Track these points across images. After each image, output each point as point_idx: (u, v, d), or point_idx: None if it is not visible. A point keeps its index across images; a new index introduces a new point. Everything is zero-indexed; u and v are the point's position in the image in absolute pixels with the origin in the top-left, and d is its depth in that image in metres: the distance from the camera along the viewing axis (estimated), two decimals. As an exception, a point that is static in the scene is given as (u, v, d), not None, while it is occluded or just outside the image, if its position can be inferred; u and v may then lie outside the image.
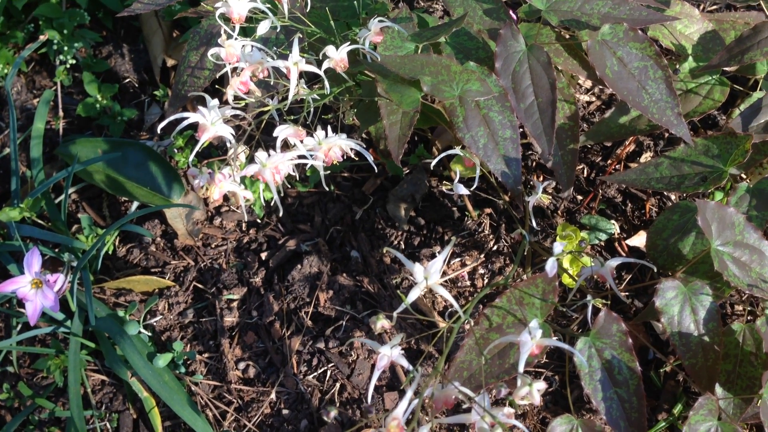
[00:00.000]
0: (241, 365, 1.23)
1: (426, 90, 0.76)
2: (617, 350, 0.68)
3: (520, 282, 0.70)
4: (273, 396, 1.20)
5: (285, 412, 1.20)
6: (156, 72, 1.42)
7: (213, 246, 1.32)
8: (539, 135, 0.82)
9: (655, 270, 0.79)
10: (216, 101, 0.76)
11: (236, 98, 0.77)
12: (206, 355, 1.23)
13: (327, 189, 1.10)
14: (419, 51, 0.82)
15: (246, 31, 0.90)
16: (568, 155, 0.92)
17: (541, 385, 0.61)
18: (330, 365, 1.22)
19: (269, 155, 0.72)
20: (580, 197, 1.32)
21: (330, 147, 0.76)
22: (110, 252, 1.29)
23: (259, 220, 1.33)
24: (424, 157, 1.34)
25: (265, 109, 0.75)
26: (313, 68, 0.77)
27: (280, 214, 1.09)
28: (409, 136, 0.82)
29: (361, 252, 1.31)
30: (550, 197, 1.30)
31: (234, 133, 0.74)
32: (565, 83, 0.93)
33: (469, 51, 0.87)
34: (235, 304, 1.27)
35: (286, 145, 0.77)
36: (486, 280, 1.26)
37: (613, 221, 1.27)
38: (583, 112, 1.40)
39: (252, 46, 0.77)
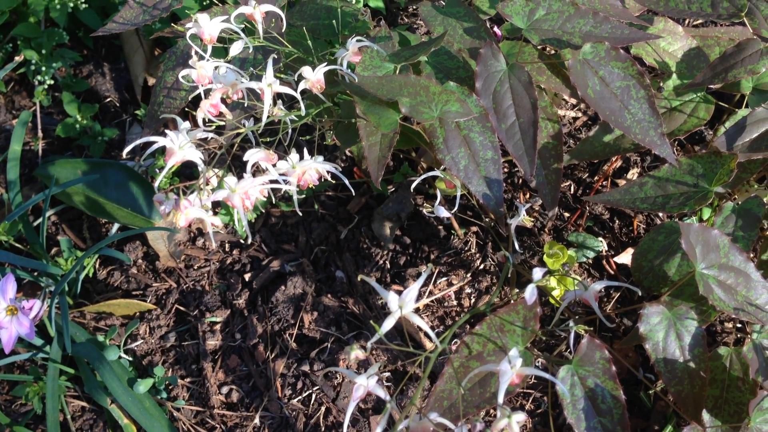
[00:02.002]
0: (224, 389, 1.20)
1: (404, 111, 0.74)
2: (601, 378, 0.66)
3: (501, 309, 0.68)
4: (257, 421, 1.18)
5: (269, 437, 1.17)
6: (137, 91, 1.41)
7: (196, 267, 1.30)
8: (521, 156, 0.81)
9: (640, 293, 0.77)
10: (187, 124, 0.74)
11: (208, 121, 0.75)
12: (188, 379, 1.20)
13: (300, 213, 1.08)
14: (398, 71, 0.80)
15: (227, 52, 0.88)
16: (552, 174, 0.91)
17: (520, 417, 0.59)
18: (315, 388, 1.20)
19: (238, 180, 0.71)
20: (567, 214, 1.31)
21: (304, 170, 0.74)
22: (90, 275, 1.27)
23: (242, 241, 1.31)
24: (409, 176, 1.33)
25: (239, 131, 0.74)
26: (288, 89, 0.75)
27: (249, 240, 1.08)
28: (388, 158, 0.80)
29: (346, 272, 1.29)
30: (533, 219, 1.29)
31: (204, 157, 0.73)
32: (548, 102, 0.92)
33: (450, 70, 0.86)
34: (218, 326, 1.25)
35: (260, 170, 0.75)
36: (473, 300, 1.25)
37: (600, 239, 1.26)
38: (569, 128, 1.40)
39: (226, 68, 0.76)
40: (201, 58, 0.77)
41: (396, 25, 1.49)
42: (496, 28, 1.10)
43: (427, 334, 1.21)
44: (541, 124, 0.92)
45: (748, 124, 0.84)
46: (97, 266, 1.29)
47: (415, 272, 1.28)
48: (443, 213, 0.82)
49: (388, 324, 0.63)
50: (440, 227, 1.33)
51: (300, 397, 1.19)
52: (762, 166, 0.89)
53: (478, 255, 1.29)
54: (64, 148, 1.40)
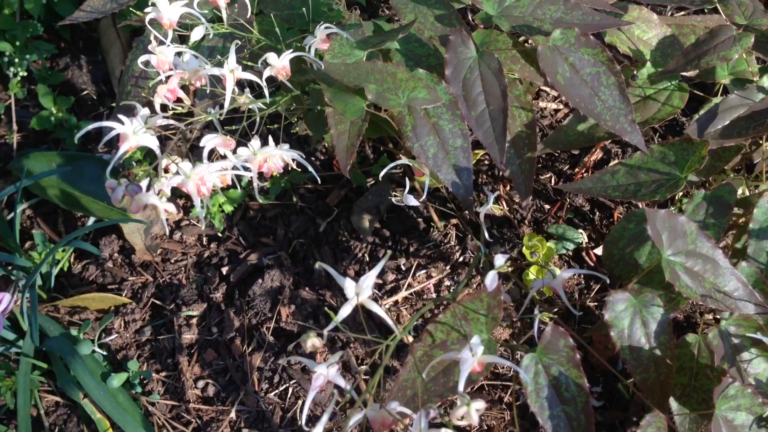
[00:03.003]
0: (200, 384, 1.19)
1: (371, 98, 0.74)
2: (565, 366, 0.65)
3: (464, 297, 0.68)
4: (233, 415, 1.17)
5: (245, 431, 1.17)
6: (114, 84, 1.40)
7: (172, 261, 1.29)
8: (491, 143, 0.80)
9: (608, 281, 0.77)
10: (146, 110, 0.73)
11: (173, 109, 0.74)
12: (164, 373, 1.19)
13: (261, 200, 1.06)
14: (367, 59, 0.80)
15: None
16: (525, 164, 0.90)
17: (479, 405, 0.59)
18: (292, 382, 1.19)
19: (193, 166, 0.70)
20: (547, 206, 1.30)
21: (266, 157, 0.74)
22: (65, 269, 1.26)
23: (219, 234, 1.30)
24: (398, 172, 1.32)
25: (200, 118, 0.73)
26: (251, 76, 0.74)
27: (203, 227, 1.06)
28: (357, 146, 0.80)
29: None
30: (502, 208, 1.29)
31: (180, 145, 0.72)
32: (522, 91, 0.91)
33: (420, 58, 0.85)
34: (194, 320, 1.24)
35: (224, 157, 0.74)
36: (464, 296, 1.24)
37: (580, 230, 1.25)
38: (551, 120, 1.39)
39: (189, 54, 0.75)
40: (161, 43, 0.76)
41: (376, 16, 1.48)
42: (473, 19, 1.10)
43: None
44: (515, 113, 0.91)
45: (720, 111, 0.84)
46: (72, 260, 1.28)
47: (394, 265, 1.27)
48: (412, 202, 0.81)
49: (345, 311, 0.62)
50: (420, 220, 1.32)
51: (277, 391, 1.18)
52: (736, 154, 0.88)
53: (457, 247, 1.28)
54: (40, 141, 1.39)
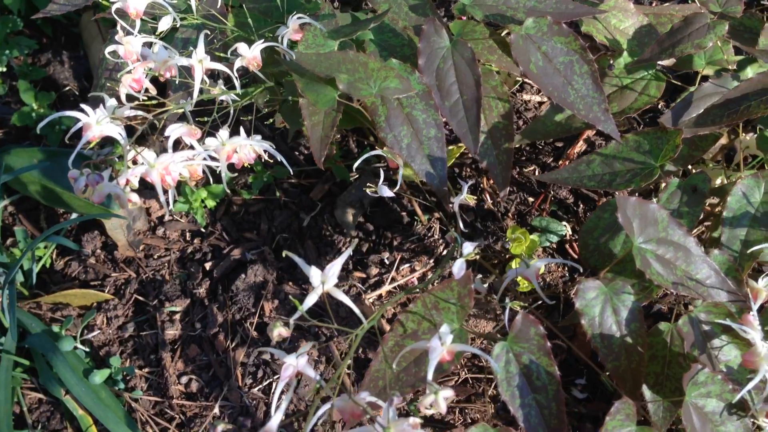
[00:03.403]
0: (184, 379, 1.19)
1: (342, 88, 0.74)
2: (536, 354, 0.65)
3: (435, 286, 0.68)
4: (216, 410, 1.17)
5: (230, 427, 1.16)
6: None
7: (156, 257, 1.29)
8: (465, 133, 0.80)
9: (581, 270, 0.76)
10: (113, 101, 0.73)
11: (133, 98, 0.74)
12: (147, 369, 1.19)
13: (228, 191, 1.05)
14: (339, 49, 0.80)
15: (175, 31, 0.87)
16: (503, 155, 0.90)
17: (447, 393, 0.59)
18: (276, 377, 1.19)
19: (157, 155, 0.70)
20: (531, 199, 1.30)
21: (235, 148, 0.73)
22: (47, 265, 1.26)
23: (203, 229, 1.30)
24: (372, 162, 1.32)
25: (167, 109, 0.73)
26: (220, 66, 0.74)
27: (166, 215, 1.04)
28: (332, 137, 0.80)
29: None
30: (484, 199, 1.28)
31: (122, 133, 0.72)
32: (499, 81, 0.91)
33: (394, 48, 0.85)
34: (177, 316, 1.24)
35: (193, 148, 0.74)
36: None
37: (564, 223, 1.25)
38: (535, 113, 1.39)
39: (159, 45, 0.75)
40: (128, 33, 0.76)
41: (359, 9, 1.48)
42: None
43: (391, 319, 1.20)
44: (492, 104, 0.91)
45: (695, 99, 0.83)
46: (54, 257, 1.27)
47: (378, 259, 1.27)
48: (386, 193, 0.81)
49: (311, 300, 0.62)
50: (403, 214, 1.32)
51: (260, 386, 1.18)
52: (713, 143, 0.88)
53: (441, 241, 1.28)
54: (22, 137, 1.38)
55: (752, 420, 0.67)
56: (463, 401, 1.14)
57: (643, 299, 0.73)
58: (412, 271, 1.25)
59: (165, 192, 0.71)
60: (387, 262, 1.27)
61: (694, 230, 0.98)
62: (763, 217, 0.74)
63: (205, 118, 0.76)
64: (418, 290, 0.69)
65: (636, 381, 0.70)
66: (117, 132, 0.71)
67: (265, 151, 0.77)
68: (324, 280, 0.61)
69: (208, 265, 1.27)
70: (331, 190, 1.35)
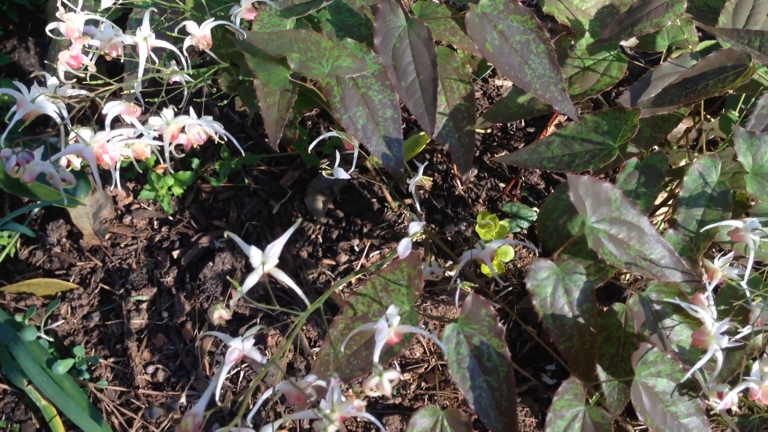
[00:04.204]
0: (150, 369, 1.18)
1: (293, 67, 0.72)
2: (486, 336, 0.64)
3: (384, 268, 0.67)
4: (183, 400, 1.16)
5: (162, 411, 1.15)
6: (62, 66, 1.37)
7: (122, 245, 1.27)
8: (421, 114, 0.79)
9: (537, 252, 0.76)
10: (54, 80, 0.71)
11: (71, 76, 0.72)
12: (112, 359, 1.18)
13: (172, 171, 1.02)
14: (289, 26, 0.78)
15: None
16: (465, 137, 0.89)
17: (392, 375, 0.58)
18: (243, 365, 1.18)
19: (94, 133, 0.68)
20: (502, 185, 1.30)
21: (180, 128, 0.72)
22: (11, 255, 1.24)
23: (170, 217, 1.29)
24: (341, 148, 1.31)
25: (109, 88, 0.71)
26: (166, 44, 0.73)
27: (101, 199, 1.01)
28: (287, 119, 0.78)
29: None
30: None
31: (59, 111, 0.70)
32: (461, 62, 0.90)
33: (351, 28, 0.83)
34: (144, 305, 1.23)
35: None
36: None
37: (535, 208, 1.25)
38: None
39: (105, 23, 0.73)
40: (69, 10, 0.74)
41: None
42: None
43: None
44: (453, 86, 0.90)
45: (654, 79, 0.83)
46: (18, 246, 1.26)
47: (348, 246, 1.26)
48: (342, 175, 0.80)
49: (251, 281, 0.61)
50: (374, 200, 1.31)
51: (228, 375, 1.17)
52: (676, 124, 0.88)
53: (430, 228, 1.27)
54: (-14, 125, 1.36)
55: (704, 399, 0.67)
56: (432, 388, 1.14)
57: (599, 280, 0.73)
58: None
59: (108, 171, 0.69)
60: (357, 249, 1.26)
61: (660, 212, 0.98)
62: (719, 196, 0.73)
63: (155, 99, 0.75)
64: (367, 272, 0.68)
65: (589, 362, 0.69)
66: (53, 110, 0.69)
67: (217, 134, 0.76)
68: (265, 260, 0.60)
69: (175, 254, 1.26)
70: (301, 177, 1.34)
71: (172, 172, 1.02)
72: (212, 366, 1.18)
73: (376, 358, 0.58)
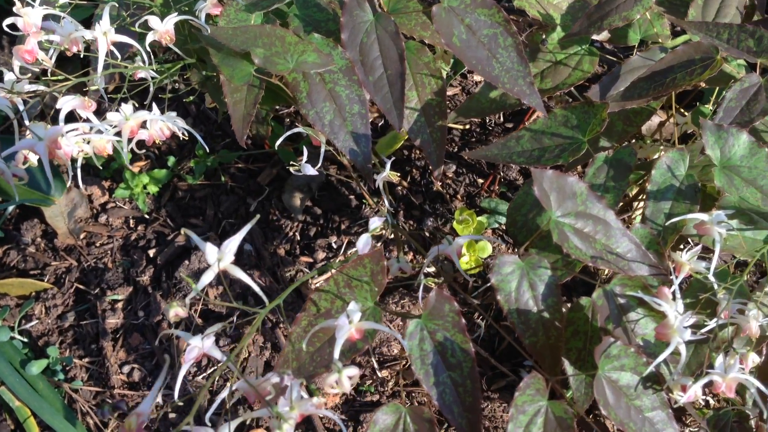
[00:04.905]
0: (126, 368, 1.17)
1: (258, 63, 0.72)
2: (450, 332, 0.64)
3: (347, 264, 0.67)
4: (159, 399, 1.15)
5: (172, 415, 1.15)
6: (36, 63, 1.36)
7: (98, 245, 1.27)
8: (389, 109, 0.79)
9: (503, 248, 0.75)
10: (11, 75, 0.71)
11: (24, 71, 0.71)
12: (87, 359, 1.17)
13: (130, 167, 1.01)
14: (253, 22, 0.78)
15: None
16: (436, 132, 0.89)
17: (351, 371, 0.58)
18: (220, 364, 1.17)
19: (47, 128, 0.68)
20: (480, 180, 1.30)
21: (139, 123, 0.71)
22: (-15, 255, 1.23)
23: (146, 216, 1.28)
24: (310, 144, 1.31)
25: (66, 84, 0.70)
26: (126, 39, 0.72)
27: (57, 196, 0.99)
28: (254, 115, 0.78)
29: (254, 245, 1.27)
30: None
31: (11, 107, 0.69)
32: (431, 57, 0.90)
33: (319, 23, 0.83)
34: (119, 304, 1.22)
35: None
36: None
37: (513, 204, 1.24)
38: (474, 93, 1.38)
39: (65, 18, 0.73)
40: (28, 5, 0.74)
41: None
42: None
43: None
44: (425, 81, 0.90)
45: (623, 73, 0.83)
46: (-8, 246, 1.24)
47: (325, 243, 1.26)
48: (310, 171, 0.80)
49: (207, 277, 0.61)
50: (352, 197, 1.31)
51: (204, 374, 1.16)
52: (648, 118, 0.88)
53: (400, 225, 1.27)
54: (-41, 124, 1.35)
55: (668, 393, 0.67)
56: (410, 385, 1.14)
57: (566, 275, 0.73)
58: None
59: (64, 167, 0.69)
60: (334, 246, 1.25)
61: (640, 206, 0.98)
62: (687, 189, 0.73)
63: (118, 95, 0.74)
64: (330, 269, 0.68)
65: (555, 357, 0.69)
66: (6, 105, 0.68)
67: (181, 130, 0.75)
68: (221, 257, 0.60)
69: (151, 252, 1.25)
70: (279, 174, 1.33)
71: (129, 167, 1.01)
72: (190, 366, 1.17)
73: (336, 354, 0.58)
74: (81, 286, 1.22)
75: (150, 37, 0.75)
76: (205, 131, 1.37)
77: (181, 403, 1.09)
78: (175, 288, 1.22)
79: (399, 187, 1.29)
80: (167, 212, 1.29)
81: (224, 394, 0.60)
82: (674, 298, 0.66)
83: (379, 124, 1.37)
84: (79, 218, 1.27)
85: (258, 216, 0.64)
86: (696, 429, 1.04)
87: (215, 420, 0.60)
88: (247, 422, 1.12)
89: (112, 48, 0.71)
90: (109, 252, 1.26)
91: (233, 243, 0.60)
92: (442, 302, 0.64)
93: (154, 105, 0.73)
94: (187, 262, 1.22)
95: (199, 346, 0.61)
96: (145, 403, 0.55)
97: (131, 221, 1.29)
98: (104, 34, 0.70)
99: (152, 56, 0.75)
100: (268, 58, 0.71)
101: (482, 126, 1.36)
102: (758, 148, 0.73)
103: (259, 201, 1.30)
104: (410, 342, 0.64)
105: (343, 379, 0.57)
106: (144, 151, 1.32)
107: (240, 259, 1.25)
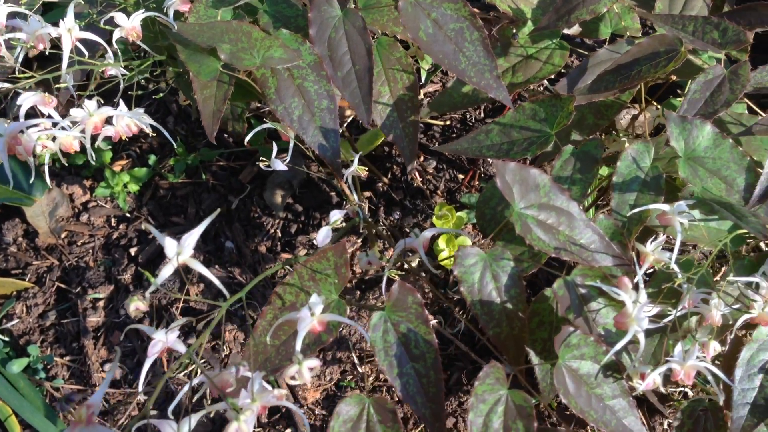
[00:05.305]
0: (107, 367, 1.18)
1: (224, 58, 0.73)
2: (414, 323, 0.65)
3: (311, 257, 0.67)
4: (141, 397, 1.16)
5: (154, 412, 1.15)
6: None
7: (79, 244, 1.27)
8: (357, 104, 0.79)
9: (469, 242, 0.76)
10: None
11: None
12: (68, 358, 1.18)
13: (93, 161, 1.00)
14: (222, 18, 0.78)
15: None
16: (409, 127, 0.90)
17: (312, 363, 0.58)
18: (201, 361, 1.18)
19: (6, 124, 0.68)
20: (460, 176, 1.30)
21: (103, 119, 0.72)
22: (-34, 255, 1.24)
23: (128, 214, 1.29)
24: (279, 140, 1.31)
25: (29, 81, 0.71)
26: (91, 35, 0.73)
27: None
28: (224, 111, 0.78)
29: (236, 242, 1.27)
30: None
31: None
32: (403, 53, 0.91)
33: (288, 19, 0.84)
34: (101, 303, 1.23)
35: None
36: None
37: (492, 199, 1.25)
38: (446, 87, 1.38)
39: (32, 16, 0.73)
40: None
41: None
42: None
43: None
44: (396, 76, 0.90)
45: (590, 66, 0.83)
46: (-27, 246, 1.25)
47: (306, 240, 1.26)
48: (279, 166, 0.80)
49: (167, 271, 0.61)
50: (332, 194, 1.31)
51: (186, 371, 1.17)
52: (618, 111, 0.88)
53: (370, 220, 1.28)
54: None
55: (628, 382, 0.68)
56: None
57: (532, 266, 0.73)
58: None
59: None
60: (315, 242, 1.26)
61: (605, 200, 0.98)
62: (652, 181, 0.74)
63: (86, 92, 0.75)
64: (294, 262, 0.68)
65: (519, 347, 0.70)
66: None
67: (149, 126, 0.76)
68: (180, 251, 0.60)
69: (133, 251, 1.26)
70: (260, 172, 1.34)
71: (93, 162, 1.01)
72: (169, 362, 1.18)
73: (298, 346, 0.58)
74: (62, 285, 1.23)
75: (117, 34, 0.75)
76: (186, 130, 1.37)
77: (144, 398, 1.10)
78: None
79: (380, 184, 1.30)
80: (149, 211, 1.30)
81: (186, 388, 0.61)
82: (638, 289, 0.66)
83: (360, 121, 1.38)
84: (60, 217, 1.27)
85: (218, 210, 0.64)
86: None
87: (179, 413, 0.61)
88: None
89: (79, 45, 0.71)
90: (90, 251, 1.26)
91: (192, 237, 0.61)
92: (406, 294, 0.65)
93: (121, 102, 0.73)
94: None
95: (163, 340, 0.62)
96: (96, 394, 0.55)
97: (113, 220, 1.30)
98: (68, 31, 0.71)
99: (120, 54, 0.75)
100: (235, 53, 0.72)
101: (463, 122, 1.37)
102: (722, 139, 0.73)
103: (240, 199, 1.31)
104: (374, 334, 0.65)
105: (304, 370, 0.57)
106: (111, 142, 1.32)
107: (221, 257, 1.26)
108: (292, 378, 0.58)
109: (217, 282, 0.64)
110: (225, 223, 1.29)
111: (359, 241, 1.26)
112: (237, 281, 1.23)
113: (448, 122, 1.36)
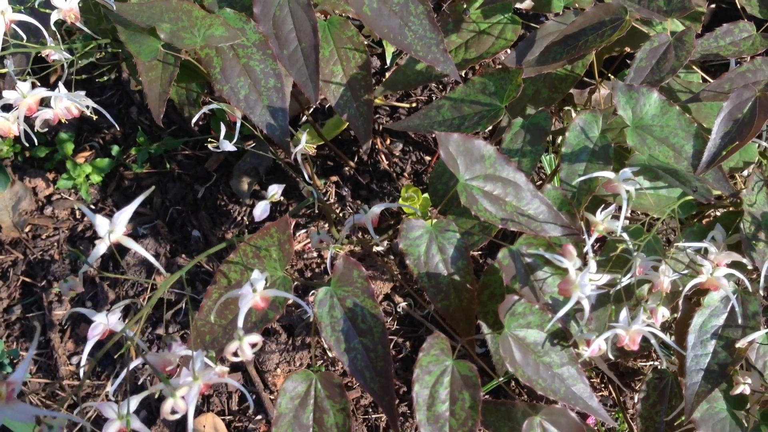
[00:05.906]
0: (75, 359, 1.17)
1: (164, 38, 0.72)
2: (360, 298, 0.65)
3: (253, 235, 0.67)
4: (109, 388, 1.15)
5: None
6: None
7: (44, 237, 1.26)
8: (305, 82, 0.79)
9: (419, 215, 0.75)
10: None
11: None
12: (35, 352, 1.17)
13: (26, 143, 0.99)
14: None
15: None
16: (363, 106, 0.89)
17: (253, 338, 0.58)
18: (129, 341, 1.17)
19: None
20: (427, 158, 1.30)
21: (37, 101, 0.71)
22: (-72, 251, 1.22)
23: (93, 206, 1.27)
24: (228, 122, 1.30)
25: None
26: (25, 17, 0.72)
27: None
28: (170, 93, 0.78)
29: (202, 231, 1.27)
30: (393, 163, 1.26)
31: None
32: (355, 32, 0.90)
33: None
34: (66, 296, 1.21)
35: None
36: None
37: (458, 179, 1.24)
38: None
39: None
40: None
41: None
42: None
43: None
44: (349, 55, 0.90)
45: (538, 38, 0.83)
46: (-65, 242, 1.24)
47: (273, 226, 1.25)
48: (228, 147, 0.80)
49: (99, 250, 0.61)
50: (299, 179, 1.30)
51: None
52: (572, 84, 0.88)
53: (337, 205, 1.27)
54: None
55: (575, 349, 0.68)
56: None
57: (483, 240, 0.73)
58: (308, 235, 1.24)
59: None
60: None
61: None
62: (601, 151, 0.74)
63: (26, 77, 0.74)
64: (236, 241, 0.68)
65: (468, 319, 0.70)
66: None
67: (88, 107, 0.75)
68: (112, 229, 0.60)
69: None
70: (227, 160, 1.33)
71: (26, 144, 1.00)
72: (137, 354, 1.17)
73: (240, 323, 0.58)
74: (27, 279, 1.22)
75: (54, 16, 0.74)
76: (150, 120, 1.36)
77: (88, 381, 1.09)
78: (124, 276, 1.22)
79: (346, 168, 1.29)
80: (113, 201, 1.29)
81: (133, 365, 0.60)
82: (586, 257, 0.66)
83: (327, 106, 1.37)
84: (23, 211, 1.26)
85: (153, 188, 0.63)
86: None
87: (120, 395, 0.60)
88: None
89: (18, 30, 0.70)
90: (55, 244, 1.25)
91: (124, 215, 0.60)
92: (351, 269, 0.65)
93: (60, 84, 0.72)
94: (133, 251, 1.22)
95: (104, 322, 0.61)
96: (18, 371, 0.55)
97: (77, 212, 1.29)
98: (2, 14, 0.70)
99: (61, 39, 0.74)
100: (175, 33, 0.71)
101: (429, 103, 1.36)
102: (669, 107, 0.73)
103: (206, 187, 1.30)
104: (320, 309, 0.64)
105: (244, 346, 0.57)
106: (74, 134, 1.31)
107: (187, 246, 1.25)
108: (234, 354, 0.58)
109: (153, 260, 0.63)
110: (191, 212, 1.28)
111: (327, 225, 1.25)
112: (204, 269, 1.22)
113: (414, 104, 1.36)
